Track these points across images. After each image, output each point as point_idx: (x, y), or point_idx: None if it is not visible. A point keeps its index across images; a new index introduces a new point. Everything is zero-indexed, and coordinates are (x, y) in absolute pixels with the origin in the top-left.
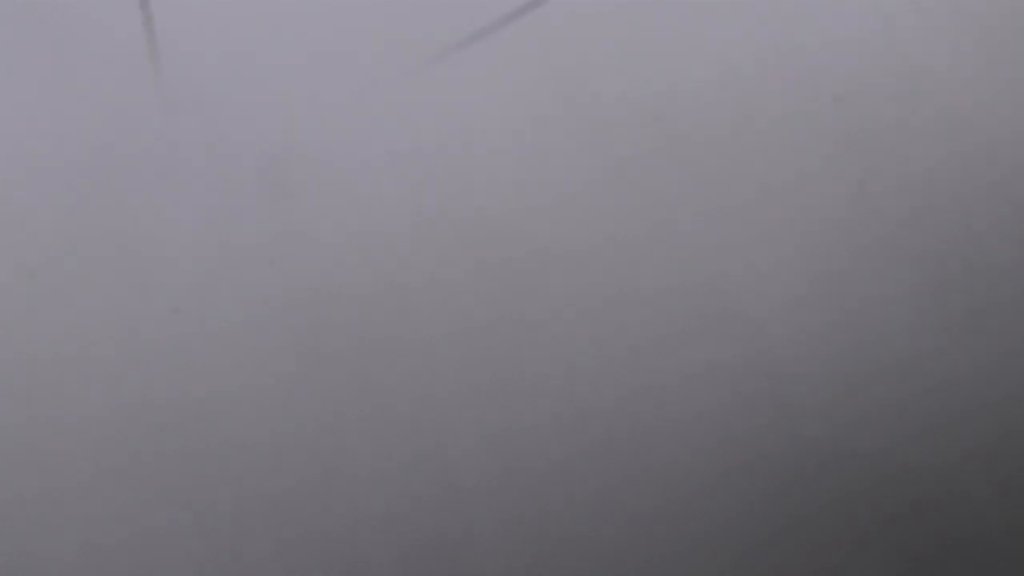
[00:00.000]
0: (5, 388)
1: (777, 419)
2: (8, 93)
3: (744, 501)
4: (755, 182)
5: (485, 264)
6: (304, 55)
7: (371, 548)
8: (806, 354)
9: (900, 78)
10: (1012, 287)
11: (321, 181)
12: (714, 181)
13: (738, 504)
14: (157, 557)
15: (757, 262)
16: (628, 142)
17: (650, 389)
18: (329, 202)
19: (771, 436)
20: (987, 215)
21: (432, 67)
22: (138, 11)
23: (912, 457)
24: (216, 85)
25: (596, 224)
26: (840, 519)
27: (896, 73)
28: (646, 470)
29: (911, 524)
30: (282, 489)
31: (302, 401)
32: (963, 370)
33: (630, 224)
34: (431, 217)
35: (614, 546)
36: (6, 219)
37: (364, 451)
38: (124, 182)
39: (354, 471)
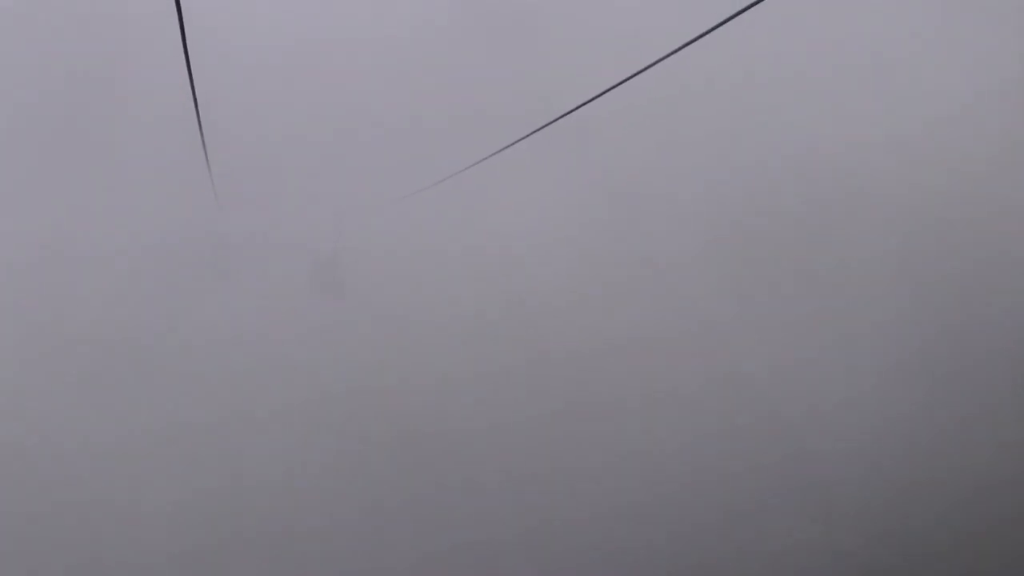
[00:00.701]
0: (63, 475)
1: (817, 531)
2: (63, 189)
3: None
4: (796, 283)
5: (527, 359)
6: (355, 157)
7: None
8: (846, 463)
9: (946, 193)
10: None
11: (370, 279)
12: (752, 281)
13: None
14: None
15: (797, 366)
16: (667, 243)
17: (684, 487)
18: (378, 299)
19: (810, 548)
20: None
21: (474, 171)
22: (191, 111)
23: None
24: (268, 185)
25: (636, 322)
26: None
27: (942, 183)
28: (680, 570)
29: None
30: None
31: (349, 488)
32: (1006, 488)
33: (670, 323)
34: (476, 314)
35: None
36: (63, 311)
37: (408, 538)
38: (177, 277)
39: (400, 559)
